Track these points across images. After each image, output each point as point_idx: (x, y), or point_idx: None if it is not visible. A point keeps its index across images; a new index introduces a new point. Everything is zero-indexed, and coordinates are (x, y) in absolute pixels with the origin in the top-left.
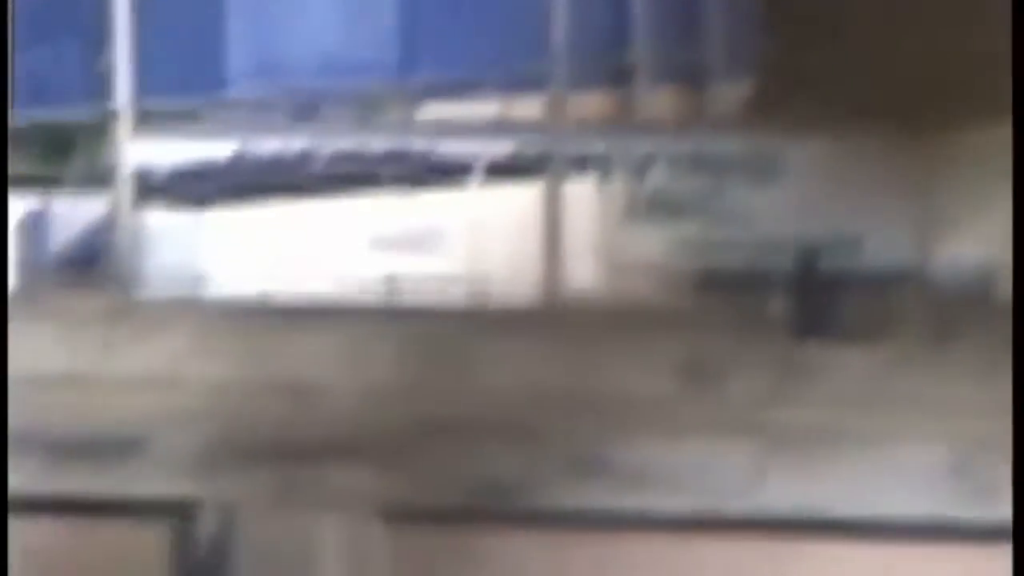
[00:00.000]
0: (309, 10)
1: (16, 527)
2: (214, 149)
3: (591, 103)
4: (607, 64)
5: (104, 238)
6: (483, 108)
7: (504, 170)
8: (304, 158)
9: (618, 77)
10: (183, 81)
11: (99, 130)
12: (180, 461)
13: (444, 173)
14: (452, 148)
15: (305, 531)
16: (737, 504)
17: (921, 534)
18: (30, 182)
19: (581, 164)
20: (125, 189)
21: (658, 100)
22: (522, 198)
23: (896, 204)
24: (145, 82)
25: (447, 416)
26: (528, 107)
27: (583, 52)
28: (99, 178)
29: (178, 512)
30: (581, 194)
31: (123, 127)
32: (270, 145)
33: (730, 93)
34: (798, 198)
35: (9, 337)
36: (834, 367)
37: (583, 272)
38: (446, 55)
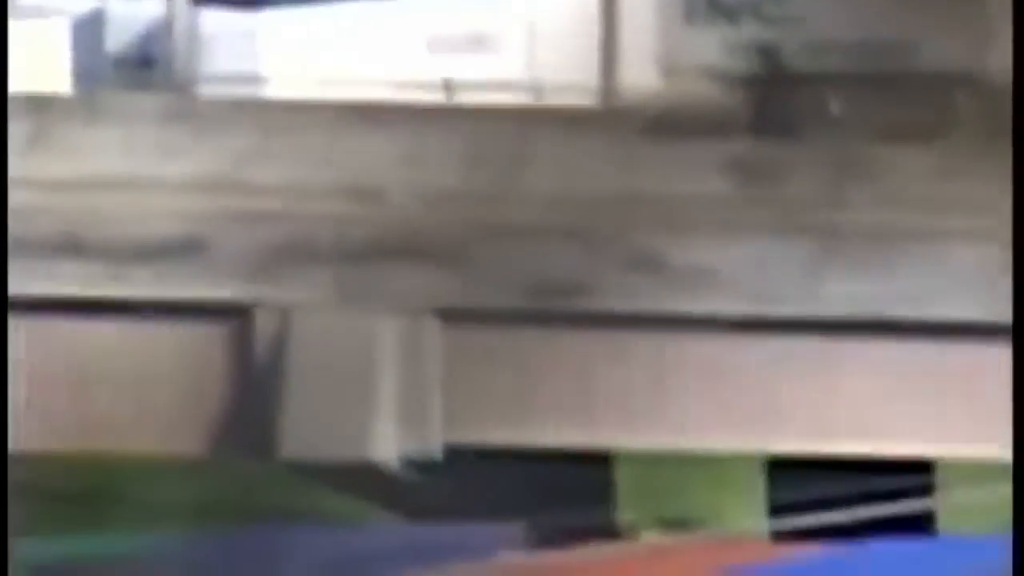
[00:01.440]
0: None
1: (78, 327)
2: None
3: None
4: None
5: (161, 39)
6: None
7: None
8: None
9: None
10: None
11: None
12: (239, 263)
13: None
14: None
15: (362, 330)
16: (790, 305)
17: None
18: None
19: None
20: None
21: None
22: (580, 2)
23: (948, 8)
24: None
25: (503, 218)
26: None
27: None
28: None
29: (236, 312)
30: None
31: None
32: None
33: None
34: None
35: (69, 138)
36: (891, 167)
37: (639, 74)
38: None
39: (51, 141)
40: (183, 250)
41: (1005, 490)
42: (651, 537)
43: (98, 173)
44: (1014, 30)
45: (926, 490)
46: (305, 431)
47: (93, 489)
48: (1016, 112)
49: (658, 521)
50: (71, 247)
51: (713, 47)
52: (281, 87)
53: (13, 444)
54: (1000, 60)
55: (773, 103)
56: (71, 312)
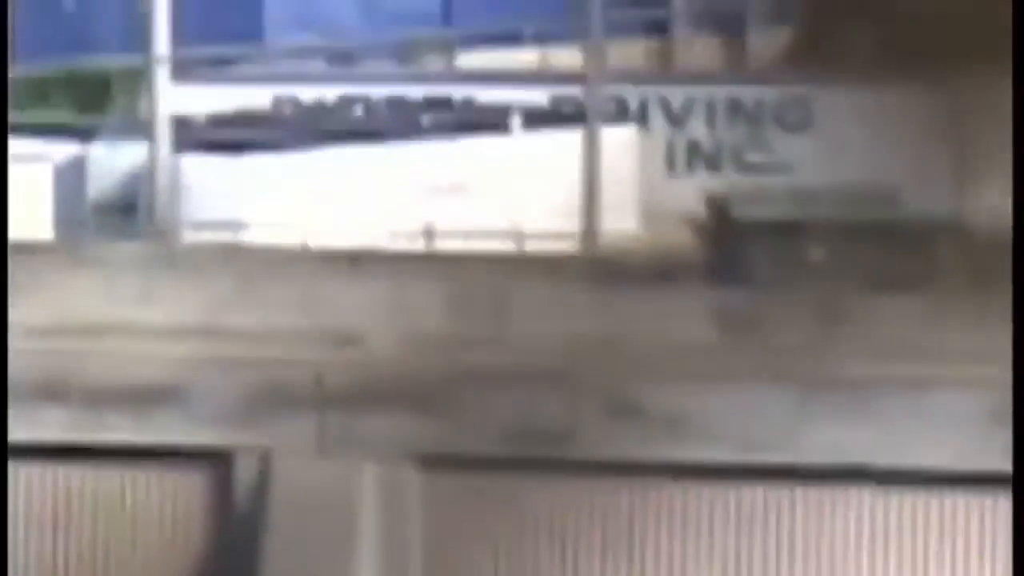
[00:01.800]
0: None
1: (58, 472)
2: (253, 96)
3: (629, 52)
4: (645, 14)
5: (143, 185)
6: (523, 57)
7: (543, 118)
8: (344, 105)
9: (655, 27)
10: (221, 29)
11: (137, 77)
12: (218, 409)
13: (484, 121)
14: (492, 96)
15: (342, 477)
16: (772, 453)
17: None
18: (68, 130)
19: (619, 113)
20: (164, 136)
21: (695, 49)
22: (561, 146)
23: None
24: (183, 30)
25: (485, 363)
26: (567, 56)
27: (621, 1)
28: (137, 125)
29: (216, 459)
30: (619, 142)
31: (161, 74)
32: (310, 93)
33: (766, 42)
34: (832, 146)
35: (50, 284)
36: (874, 316)
37: (621, 220)
38: (486, 4)
39: (32, 287)
40: (163, 395)
41: None
42: None
43: (79, 319)
44: (1014, 30)
45: None
46: None
47: None
48: (1016, 110)
49: None
50: (53, 393)
51: (694, 195)
52: (262, 233)
53: None
54: (984, 205)
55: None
56: (53, 457)
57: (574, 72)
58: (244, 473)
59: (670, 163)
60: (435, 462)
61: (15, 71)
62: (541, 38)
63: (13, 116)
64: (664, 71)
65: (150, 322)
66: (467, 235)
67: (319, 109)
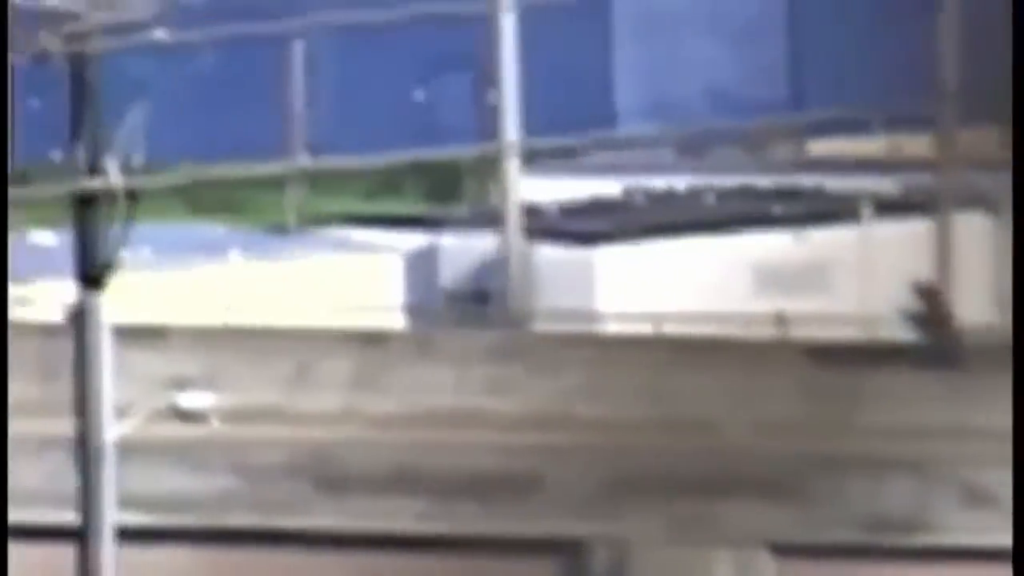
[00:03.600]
0: (698, 48)
1: (406, 564)
2: (603, 186)
3: (980, 140)
4: (997, 102)
5: (494, 275)
6: (871, 145)
7: (893, 207)
8: (693, 195)
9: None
10: (572, 119)
11: (487, 167)
12: (571, 498)
13: (832, 210)
14: (841, 185)
15: (698, 565)
16: None
17: None
18: (418, 220)
19: (972, 201)
20: (515, 225)
21: None
22: (912, 235)
23: None
24: (532, 120)
25: (837, 451)
26: (917, 144)
27: (973, 90)
28: (487, 216)
29: (570, 548)
30: (972, 230)
31: (512, 164)
32: (658, 183)
33: None
34: None
35: (404, 374)
36: None
37: (974, 307)
38: (835, 92)
39: (382, 377)
40: (515, 486)
41: None
42: None
43: (429, 409)
44: (1014, 30)
45: None
46: None
47: None
48: (1016, 111)
49: None
50: (403, 483)
51: None
52: (614, 322)
53: None
54: None
55: None
56: (405, 548)
57: (925, 159)
58: (600, 562)
59: None
60: (789, 550)
61: (366, 161)
62: (890, 125)
63: (364, 207)
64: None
65: (504, 412)
66: (819, 321)
67: (669, 198)
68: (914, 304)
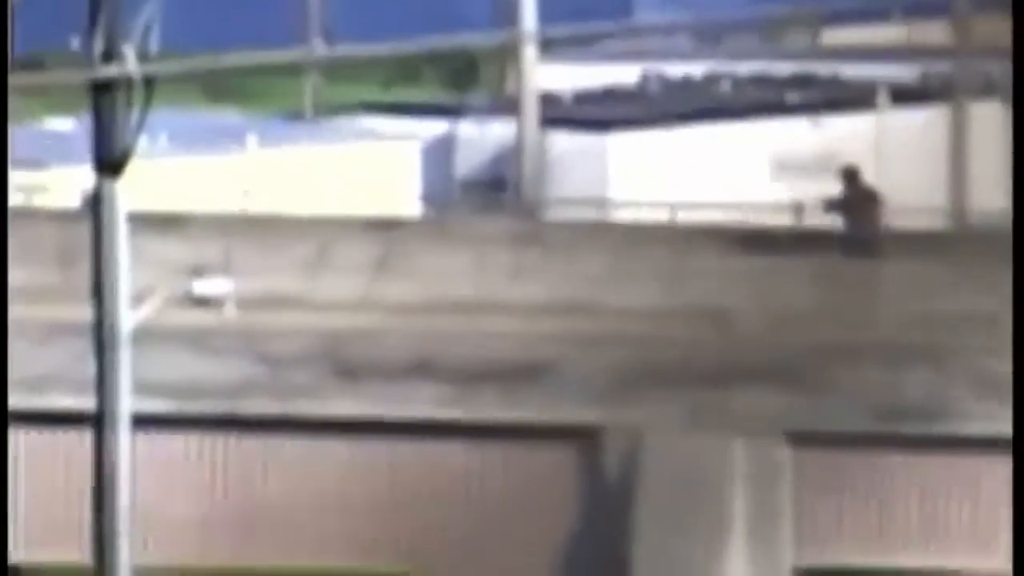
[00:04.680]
0: None
1: (425, 448)
2: (619, 74)
3: (997, 28)
4: None
5: (510, 163)
6: (888, 32)
7: (909, 94)
8: (709, 83)
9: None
10: (587, 7)
11: (504, 55)
12: (588, 386)
13: (848, 98)
14: (857, 73)
15: (713, 453)
16: None
17: None
18: (435, 109)
19: (986, 88)
20: (531, 113)
21: None
22: (927, 122)
23: None
24: (548, 8)
25: (852, 340)
26: (932, 31)
27: None
28: (503, 104)
29: (586, 435)
30: (986, 118)
31: (528, 53)
32: (675, 70)
33: None
34: None
35: (420, 261)
36: None
37: (989, 196)
38: None
39: (400, 264)
40: (532, 373)
41: None
42: None
43: (447, 296)
44: (1014, 30)
45: None
46: (656, 554)
47: None
48: (1016, 112)
49: None
50: (421, 370)
51: None
52: (629, 210)
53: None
54: None
55: None
56: (421, 434)
57: (942, 47)
58: (614, 449)
59: None
60: (805, 439)
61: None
62: (908, 13)
63: (380, 95)
64: None
65: (519, 299)
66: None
67: (685, 86)
68: (842, 190)
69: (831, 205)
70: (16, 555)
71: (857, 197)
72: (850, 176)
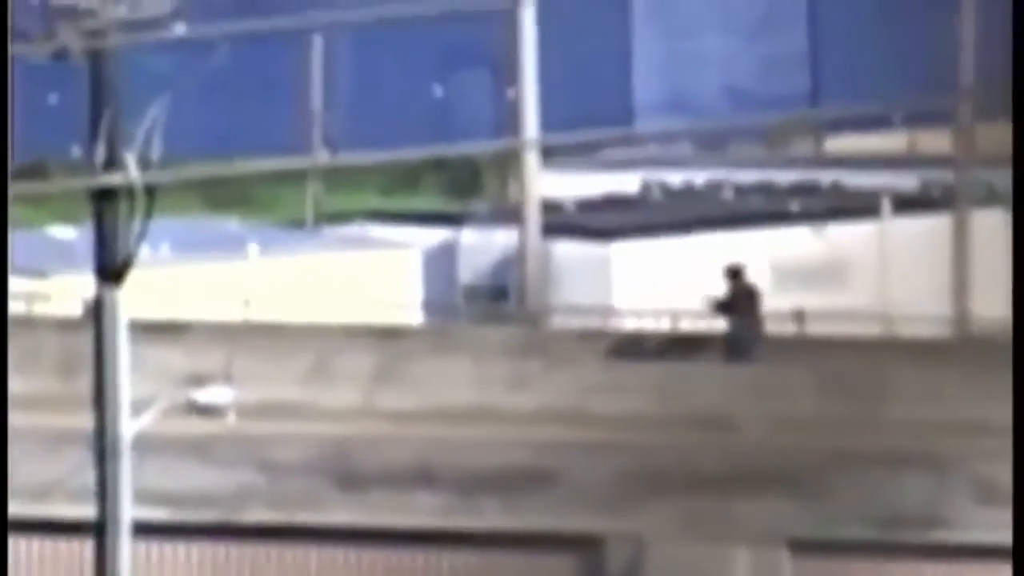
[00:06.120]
0: (717, 43)
1: (427, 557)
2: (620, 182)
3: (999, 136)
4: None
5: (512, 271)
6: (890, 140)
7: (911, 203)
8: (711, 191)
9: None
10: (589, 115)
11: (506, 163)
12: (588, 494)
13: (851, 206)
14: (859, 181)
15: (715, 562)
16: None
17: None
18: (437, 216)
19: (988, 197)
20: (534, 221)
21: None
22: (930, 231)
23: None
24: (550, 116)
25: (857, 447)
26: (935, 140)
27: (992, 85)
28: (505, 212)
29: (588, 544)
30: (990, 226)
31: (531, 160)
32: (676, 178)
33: None
34: None
35: (422, 370)
36: None
37: (992, 303)
38: (854, 88)
39: (401, 372)
40: (533, 481)
41: None
42: None
43: (448, 405)
44: (1014, 30)
45: None
46: None
47: None
48: (1016, 112)
49: None
50: (422, 478)
51: None
52: (632, 318)
53: None
54: None
55: None
56: (424, 543)
57: (944, 156)
58: (617, 558)
59: None
60: (807, 547)
61: (385, 157)
62: (910, 120)
63: (383, 203)
64: None
65: (520, 407)
66: (837, 318)
67: (687, 194)
68: (726, 290)
69: (717, 306)
70: None
71: (740, 295)
72: (734, 274)
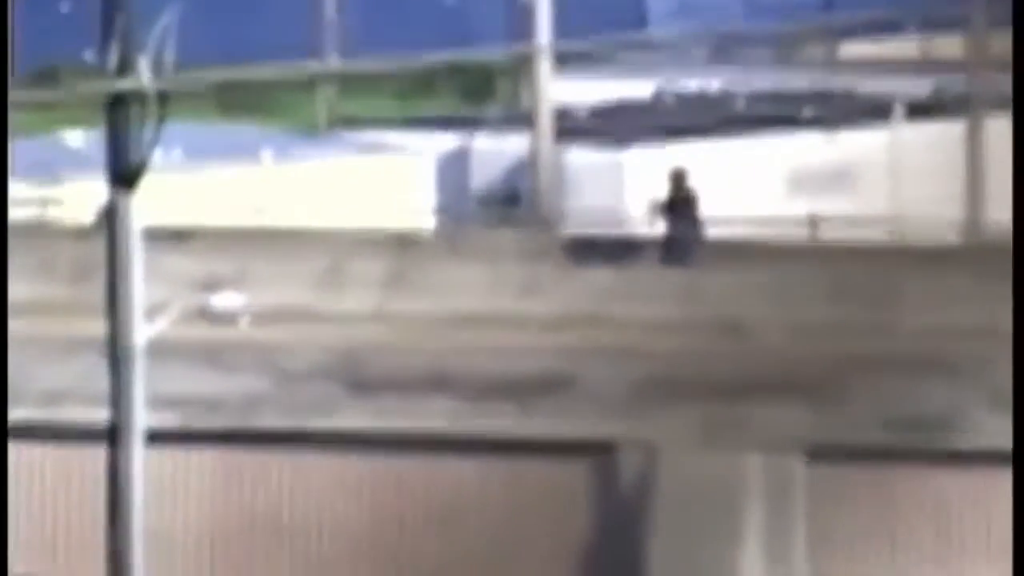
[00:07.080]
0: None
1: (439, 463)
2: (633, 88)
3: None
4: None
5: (525, 177)
6: (903, 47)
7: (924, 109)
8: (724, 98)
9: None
10: (602, 21)
11: (518, 70)
12: (603, 400)
13: (864, 113)
14: (872, 87)
15: (728, 468)
16: None
17: None
18: (451, 122)
19: (1002, 103)
20: (546, 127)
21: None
22: (943, 136)
23: None
24: (564, 22)
25: (869, 353)
26: (948, 46)
27: None
28: (519, 118)
29: (601, 450)
30: (1001, 132)
31: (544, 67)
32: (690, 85)
33: None
34: None
35: (433, 274)
36: None
37: (1006, 209)
38: None
39: (413, 278)
40: (547, 386)
41: None
42: None
43: (461, 310)
44: (1014, 30)
45: None
46: (671, 569)
47: None
48: (1016, 112)
49: None
50: (437, 384)
51: None
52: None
53: None
54: None
55: None
56: (437, 448)
57: (957, 61)
58: (629, 464)
59: None
60: (820, 452)
61: (399, 63)
62: (923, 26)
63: (395, 108)
64: None
65: (534, 313)
66: (850, 223)
67: (701, 100)
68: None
69: (657, 209)
70: (30, 568)
71: (679, 200)
72: (676, 178)
